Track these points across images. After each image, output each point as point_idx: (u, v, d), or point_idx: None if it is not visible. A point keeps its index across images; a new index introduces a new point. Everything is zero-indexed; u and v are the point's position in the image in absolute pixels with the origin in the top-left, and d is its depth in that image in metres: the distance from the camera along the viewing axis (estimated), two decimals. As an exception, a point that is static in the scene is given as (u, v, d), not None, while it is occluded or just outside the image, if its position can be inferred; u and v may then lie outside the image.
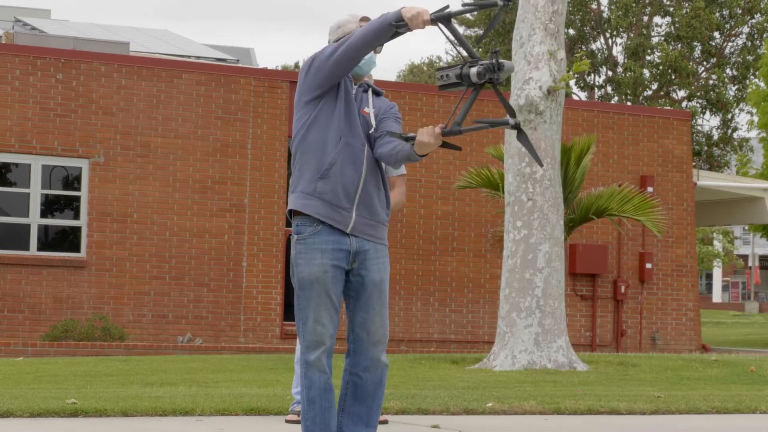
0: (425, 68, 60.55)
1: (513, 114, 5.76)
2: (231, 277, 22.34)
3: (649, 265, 25.50)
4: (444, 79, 5.70)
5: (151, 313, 21.78)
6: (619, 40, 47.03)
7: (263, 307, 22.53)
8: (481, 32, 50.19)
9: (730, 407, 10.05)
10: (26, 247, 21.28)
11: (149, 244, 21.86)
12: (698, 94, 45.69)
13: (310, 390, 5.91)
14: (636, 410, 9.64)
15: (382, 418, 8.29)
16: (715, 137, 46.72)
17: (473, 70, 5.59)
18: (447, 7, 5.65)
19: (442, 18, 5.66)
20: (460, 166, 23.25)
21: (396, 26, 5.65)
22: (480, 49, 46.94)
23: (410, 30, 5.70)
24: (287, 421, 8.27)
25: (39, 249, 21.36)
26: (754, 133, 42.13)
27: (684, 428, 9.05)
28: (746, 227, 48.64)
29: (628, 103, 44.19)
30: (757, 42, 45.60)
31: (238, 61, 26.92)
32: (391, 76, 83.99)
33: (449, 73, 5.68)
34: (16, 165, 21.51)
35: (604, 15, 46.63)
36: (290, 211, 6.00)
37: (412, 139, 5.75)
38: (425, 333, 23.60)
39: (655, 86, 46.41)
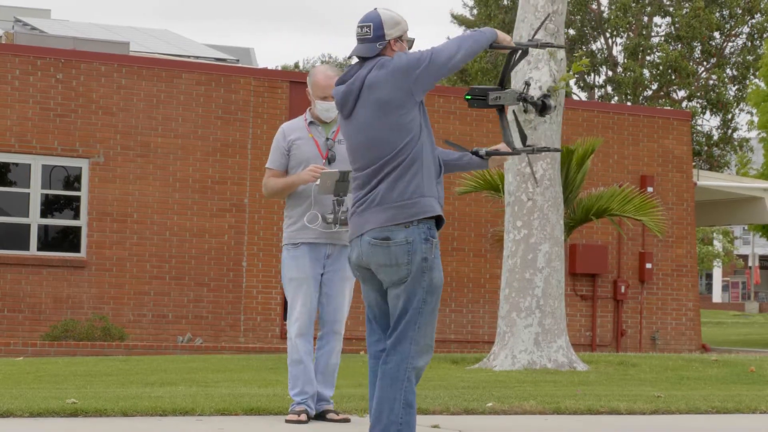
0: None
1: (525, 140, 6.58)
2: (231, 277, 22.33)
3: (649, 265, 25.49)
4: (498, 100, 6.15)
5: (151, 313, 21.78)
6: (619, 40, 47.04)
7: (263, 307, 22.52)
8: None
9: (730, 407, 10.05)
10: (26, 247, 21.28)
11: (149, 244, 21.85)
12: (698, 94, 45.69)
13: (411, 394, 5.97)
14: (636, 410, 9.64)
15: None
16: (715, 137, 46.72)
17: (552, 102, 6.44)
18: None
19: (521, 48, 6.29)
20: (460, 166, 23.23)
21: (495, 47, 6.06)
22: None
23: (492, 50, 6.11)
24: (287, 421, 8.26)
25: (39, 249, 21.36)
26: (754, 133, 42.13)
27: (684, 428, 9.05)
28: (746, 227, 48.63)
29: (628, 103, 44.19)
30: (757, 42, 45.60)
31: (238, 61, 26.90)
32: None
33: (502, 95, 6.14)
34: (16, 165, 21.51)
35: (604, 15, 46.62)
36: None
37: (488, 154, 6.40)
38: (425, 333, 23.58)
39: (655, 86, 46.42)
